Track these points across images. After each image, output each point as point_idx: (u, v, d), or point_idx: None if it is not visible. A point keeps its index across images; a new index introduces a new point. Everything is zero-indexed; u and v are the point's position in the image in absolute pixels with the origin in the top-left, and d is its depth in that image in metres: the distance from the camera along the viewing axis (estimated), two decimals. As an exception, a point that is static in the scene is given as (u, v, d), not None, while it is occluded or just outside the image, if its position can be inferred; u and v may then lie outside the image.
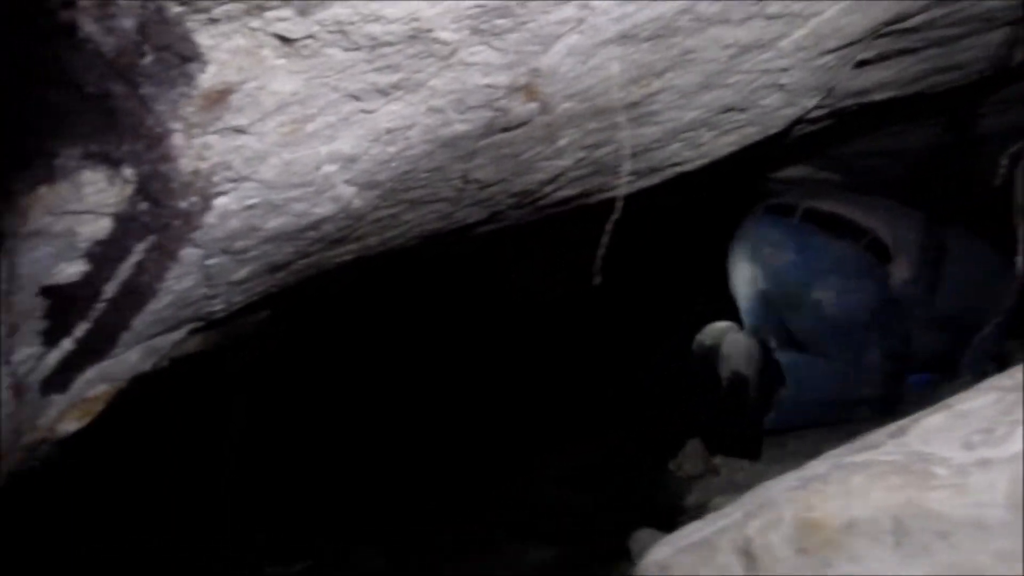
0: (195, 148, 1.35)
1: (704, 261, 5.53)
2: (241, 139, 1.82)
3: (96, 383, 2.51)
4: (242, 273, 2.55)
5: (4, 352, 1.27)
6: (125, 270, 1.31)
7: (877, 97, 3.23)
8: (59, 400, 2.29)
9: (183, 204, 1.12)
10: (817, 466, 1.54)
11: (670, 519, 3.91)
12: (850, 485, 1.36)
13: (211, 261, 2.35)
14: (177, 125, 1.07)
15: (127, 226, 1.16)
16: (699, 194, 4.46)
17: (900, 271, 4.61)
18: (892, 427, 1.54)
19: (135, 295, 1.32)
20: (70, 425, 2.58)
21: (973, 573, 1.18)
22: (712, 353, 4.88)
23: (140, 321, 1.82)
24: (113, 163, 1.03)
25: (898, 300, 4.62)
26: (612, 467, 4.93)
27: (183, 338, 2.88)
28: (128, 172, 1.06)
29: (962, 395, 1.49)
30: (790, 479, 1.55)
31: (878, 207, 4.73)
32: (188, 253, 1.98)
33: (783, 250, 4.68)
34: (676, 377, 5.23)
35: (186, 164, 1.09)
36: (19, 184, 1.00)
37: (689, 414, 5.01)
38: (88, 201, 1.49)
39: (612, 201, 3.45)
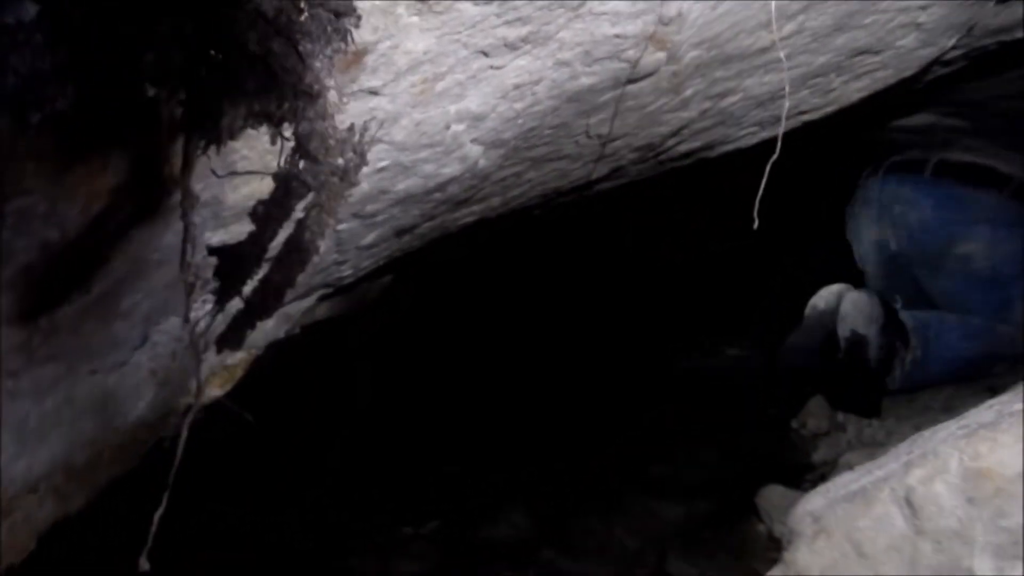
0: (350, 106, 1.37)
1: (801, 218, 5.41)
2: (374, 101, 1.84)
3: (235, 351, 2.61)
4: (370, 238, 2.59)
5: (185, 311, 1.32)
6: (288, 229, 1.34)
7: (1020, 35, 3.05)
8: (205, 365, 2.38)
9: (340, 161, 1.14)
10: (981, 415, 1.49)
11: (797, 476, 3.86)
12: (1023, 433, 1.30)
13: (342, 226, 2.40)
14: (331, 82, 1.08)
15: (288, 185, 1.18)
16: (806, 151, 4.32)
17: None
18: (1062, 373, 1.47)
19: (298, 253, 1.36)
20: (213, 391, 2.69)
21: None
22: (828, 315, 4.76)
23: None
24: (275, 122, 1.06)
25: None
26: (736, 423, 4.88)
27: (313, 305, 2.96)
28: (288, 131, 1.08)
29: None
30: (951, 428, 1.50)
31: (1014, 153, 4.49)
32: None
33: (917, 207, 4.48)
34: (788, 339, 5.13)
35: (341, 120, 1.11)
36: (191, 146, 1.03)
37: (808, 375, 4.91)
38: (252, 161, 1.53)
39: (732, 155, 3.39)
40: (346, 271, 2.73)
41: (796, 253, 6.00)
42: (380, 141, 1.96)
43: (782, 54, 2.02)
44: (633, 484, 4.18)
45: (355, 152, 1.16)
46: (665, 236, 6.31)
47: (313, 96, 1.07)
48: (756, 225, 1.59)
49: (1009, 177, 4.36)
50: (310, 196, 1.20)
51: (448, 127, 2.10)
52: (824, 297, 5.00)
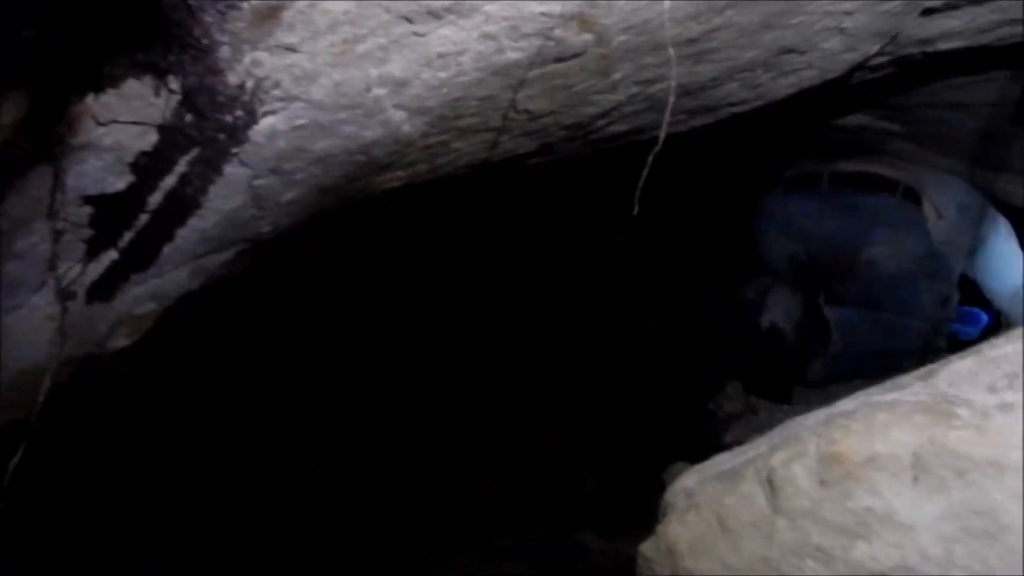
0: (244, 63, 1.38)
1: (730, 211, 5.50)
2: (291, 57, 1.84)
3: (145, 301, 2.59)
4: (290, 195, 2.58)
5: (51, 259, 1.32)
6: (169, 182, 1.34)
7: (943, 47, 3.13)
8: (107, 314, 2.36)
9: (228, 118, 1.15)
10: (845, 404, 1.56)
11: (706, 455, 3.96)
12: (874, 422, 1.37)
13: (259, 182, 2.39)
14: (224, 38, 1.09)
15: (173, 138, 1.19)
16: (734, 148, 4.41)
17: (931, 213, 4.57)
18: (922, 370, 1.55)
19: (179, 208, 1.36)
20: (119, 341, 2.66)
21: (987, 510, 1.19)
22: (754, 305, 4.88)
23: (186, 237, 1.86)
24: (160, 73, 1.06)
25: (937, 244, 4.58)
26: (654, 405, 5.00)
27: (231, 259, 2.94)
28: (174, 83, 1.09)
29: (994, 341, 1.49)
30: (818, 415, 1.57)
31: (895, 155, 4.66)
32: (236, 172, 2.02)
33: (824, 219, 4.61)
34: (713, 325, 5.24)
35: (233, 78, 1.12)
36: (68, 93, 1.03)
37: (726, 361, 5.03)
38: (135, 112, 1.52)
39: (667, 139, 3.44)
40: (265, 227, 2.72)
41: (733, 243, 6.09)
42: (298, 99, 1.96)
43: (671, 51, 2.06)
44: (555, 457, 4.28)
45: (245, 110, 1.17)
46: (602, 217, 6.35)
47: (202, 50, 1.08)
48: (636, 211, 1.62)
49: (896, 181, 4.52)
50: (195, 151, 1.20)
51: (369, 90, 2.11)
52: (753, 287, 5.13)
